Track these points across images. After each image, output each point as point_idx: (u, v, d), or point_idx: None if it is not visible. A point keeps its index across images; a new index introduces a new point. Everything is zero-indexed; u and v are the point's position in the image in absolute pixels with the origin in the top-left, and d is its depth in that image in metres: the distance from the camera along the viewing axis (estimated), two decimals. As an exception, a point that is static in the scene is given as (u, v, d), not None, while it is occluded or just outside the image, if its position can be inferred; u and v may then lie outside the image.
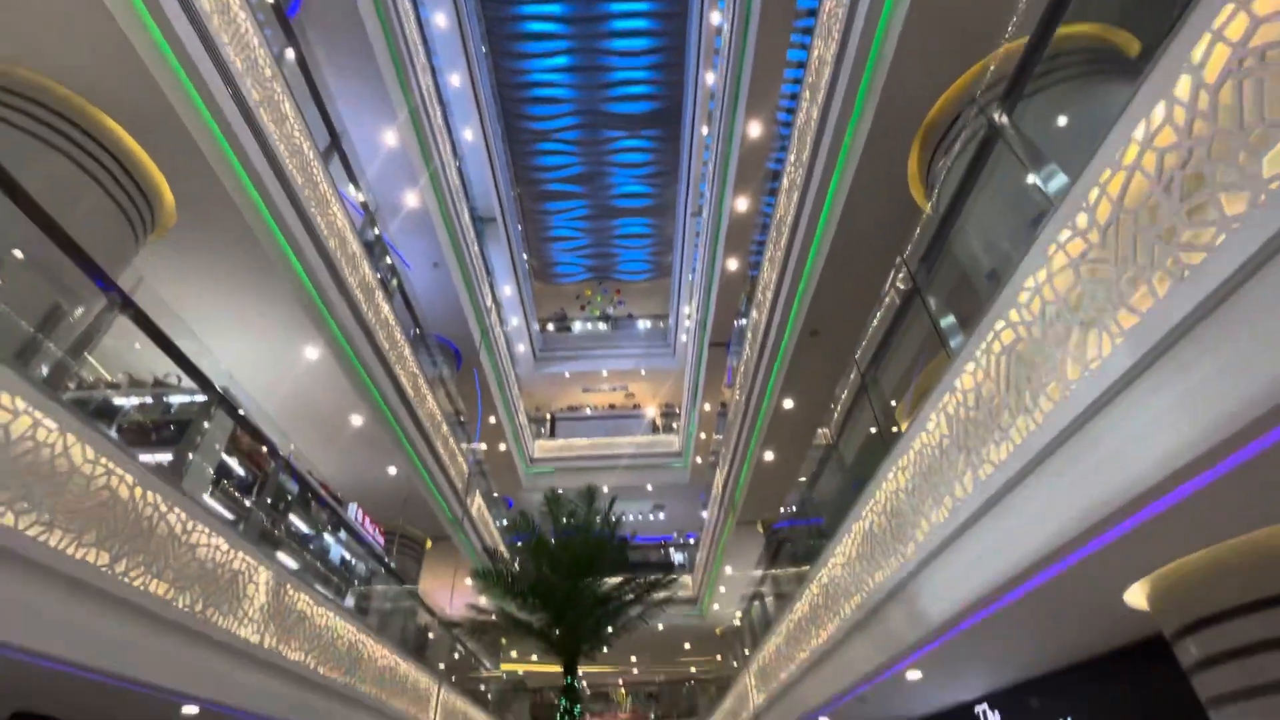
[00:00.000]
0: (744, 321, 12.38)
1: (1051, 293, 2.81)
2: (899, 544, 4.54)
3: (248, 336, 7.15)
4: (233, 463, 6.54)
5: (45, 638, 3.60)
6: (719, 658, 22.62)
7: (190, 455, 5.16)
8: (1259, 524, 2.63)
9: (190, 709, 5.10)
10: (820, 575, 6.48)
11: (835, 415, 6.94)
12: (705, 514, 21.23)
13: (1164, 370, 2.22)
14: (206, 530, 4.90)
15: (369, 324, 8.44)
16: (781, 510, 11.36)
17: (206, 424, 5.57)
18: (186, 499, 4.67)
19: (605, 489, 7.32)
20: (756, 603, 11.05)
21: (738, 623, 18.53)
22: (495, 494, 18.83)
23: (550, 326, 27.53)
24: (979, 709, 6.78)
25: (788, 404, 8.79)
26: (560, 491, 7.34)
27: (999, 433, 3.26)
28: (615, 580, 7.16)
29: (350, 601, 8.02)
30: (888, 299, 5.68)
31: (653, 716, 20.91)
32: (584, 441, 23.47)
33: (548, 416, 25.81)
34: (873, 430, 5.81)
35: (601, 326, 27.75)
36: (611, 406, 27.08)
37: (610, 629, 7.06)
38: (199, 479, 5.24)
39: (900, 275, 5.12)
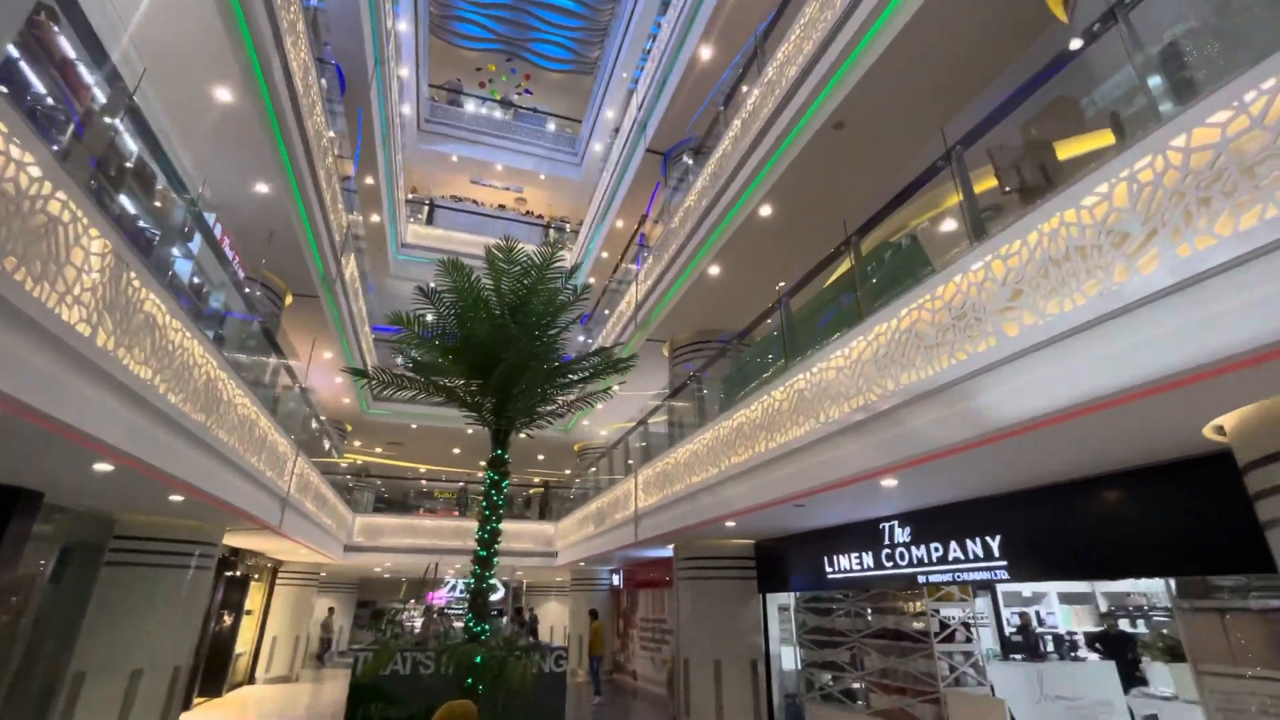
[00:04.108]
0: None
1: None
2: (965, 341, 4.06)
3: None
4: (30, 73, 4.18)
5: None
6: (568, 471, 23.51)
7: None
8: None
9: (-27, 407, 3.41)
10: (795, 380, 6.07)
11: (854, 229, 6.07)
12: (584, 338, 20.75)
13: None
14: None
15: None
16: (715, 331, 10.95)
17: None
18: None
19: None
20: (658, 415, 10.91)
21: (603, 437, 19.00)
22: (361, 271, 16.32)
23: (440, 99, 23.30)
24: (885, 526, 7.25)
25: (765, 211, 7.88)
26: (504, 244, 5.91)
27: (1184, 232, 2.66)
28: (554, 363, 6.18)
29: (210, 335, 6.19)
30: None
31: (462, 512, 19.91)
32: (467, 237, 21.12)
33: (427, 202, 22.62)
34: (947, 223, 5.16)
35: (499, 114, 24.04)
36: (501, 206, 24.45)
37: (549, 409, 6.20)
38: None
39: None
